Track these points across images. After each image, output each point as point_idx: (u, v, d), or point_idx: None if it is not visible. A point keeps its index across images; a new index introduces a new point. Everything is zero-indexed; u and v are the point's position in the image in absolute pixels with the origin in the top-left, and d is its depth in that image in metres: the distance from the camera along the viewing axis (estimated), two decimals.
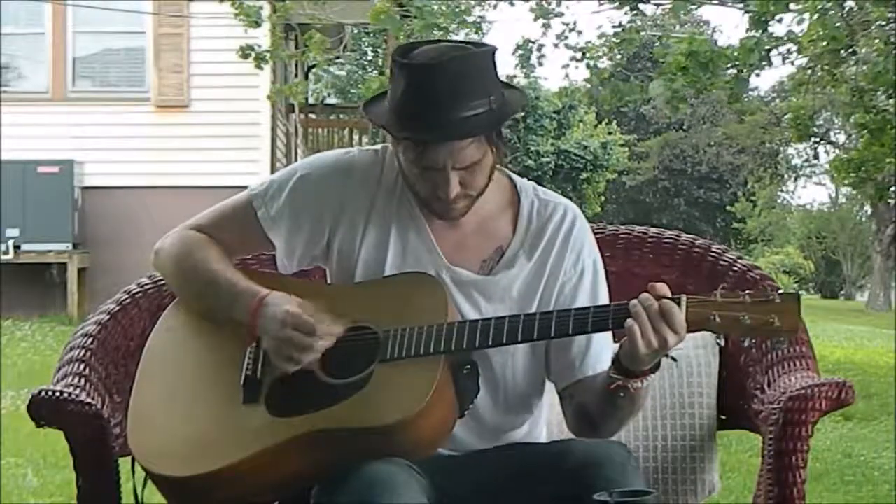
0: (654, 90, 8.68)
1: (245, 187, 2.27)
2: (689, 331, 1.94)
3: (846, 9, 8.81)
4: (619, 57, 11.25)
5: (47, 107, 13.19)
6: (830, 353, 11.05)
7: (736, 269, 2.53)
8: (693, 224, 34.07)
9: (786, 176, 37.45)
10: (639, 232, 2.69)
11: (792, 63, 9.71)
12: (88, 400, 2.20)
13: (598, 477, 1.95)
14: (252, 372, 2.10)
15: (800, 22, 8.61)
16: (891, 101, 9.46)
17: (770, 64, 8.56)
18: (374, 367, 2.03)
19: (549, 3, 10.44)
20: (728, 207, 34.63)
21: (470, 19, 10.39)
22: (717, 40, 13.24)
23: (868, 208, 31.32)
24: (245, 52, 10.46)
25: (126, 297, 2.54)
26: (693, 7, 10.18)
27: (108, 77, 13.91)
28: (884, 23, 9.04)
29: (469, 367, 2.05)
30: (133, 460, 2.13)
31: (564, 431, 2.33)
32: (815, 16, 8.25)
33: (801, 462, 2.17)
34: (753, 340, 1.98)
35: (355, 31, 14.43)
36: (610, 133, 30.03)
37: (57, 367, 2.36)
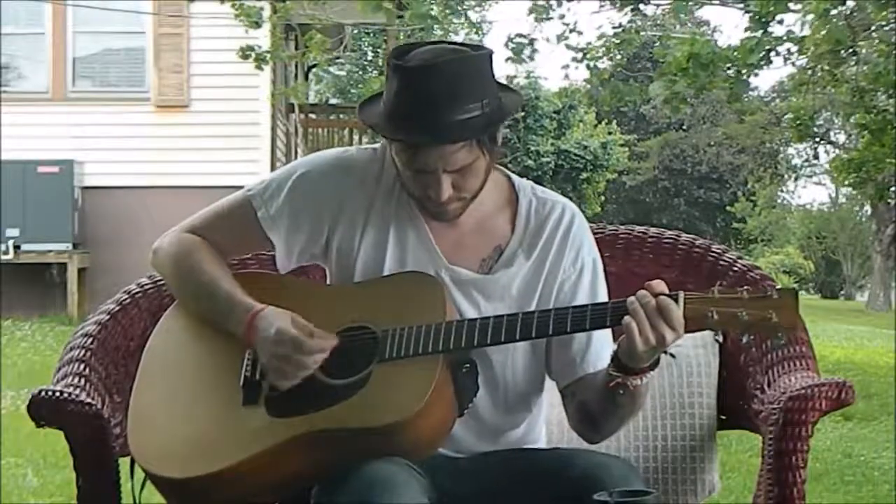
0: (654, 91, 8.69)
1: (250, 184, 2.26)
2: (686, 327, 1.94)
3: (848, 10, 8.81)
4: (619, 57, 11.25)
5: (47, 107, 13.19)
6: (830, 353, 11.05)
7: (736, 269, 2.53)
8: (693, 224, 34.06)
9: (786, 176, 37.44)
10: (639, 232, 2.69)
11: (793, 63, 9.71)
12: (88, 400, 2.20)
13: (600, 486, 1.94)
14: (251, 373, 2.10)
15: (803, 25, 8.61)
16: (891, 101, 9.46)
17: (770, 63, 8.56)
18: (372, 367, 2.03)
19: (549, 3, 10.46)
20: (728, 207, 34.63)
21: (470, 19, 10.41)
22: (717, 40, 13.23)
23: (868, 208, 31.33)
24: (245, 52, 10.46)
25: (126, 297, 2.54)
26: (694, 6, 10.18)
27: (108, 77, 13.91)
28: (884, 24, 9.04)
29: (468, 365, 2.05)
30: (132, 461, 2.13)
31: (565, 431, 2.34)
32: (818, 18, 8.25)
33: (801, 462, 2.17)
34: (752, 337, 1.98)
35: (355, 31, 14.43)
36: (610, 133, 30.02)
37: (57, 367, 2.36)
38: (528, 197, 2.22)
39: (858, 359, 11.10)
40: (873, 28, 9.09)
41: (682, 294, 1.95)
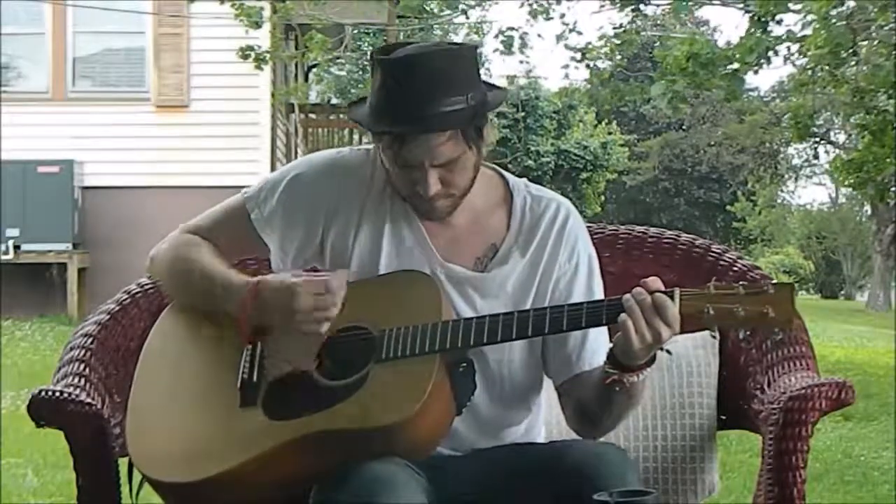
0: (655, 91, 8.69)
1: (245, 187, 2.27)
2: (683, 323, 1.94)
3: (848, 10, 8.81)
4: (619, 58, 11.26)
5: (47, 107, 13.19)
6: (830, 353, 11.04)
7: (736, 269, 2.53)
8: (693, 224, 34.06)
9: (786, 176, 37.43)
10: (639, 232, 2.69)
11: (793, 63, 9.71)
12: (88, 400, 2.20)
13: (596, 477, 1.95)
14: (248, 375, 2.09)
15: (804, 27, 8.61)
16: (891, 101, 9.45)
17: (769, 63, 8.57)
18: (370, 368, 2.03)
19: (550, 2, 10.47)
20: (728, 207, 34.63)
21: (468, 15, 10.43)
22: (717, 40, 13.23)
23: (868, 208, 31.32)
24: (245, 52, 10.46)
25: (126, 297, 2.54)
26: (694, 6, 10.18)
27: (108, 77, 13.91)
28: (885, 24, 9.04)
29: (465, 364, 2.05)
30: (130, 463, 2.13)
31: (564, 431, 2.33)
32: (819, 21, 8.25)
33: (801, 462, 2.17)
34: (748, 332, 1.98)
35: (355, 31, 14.43)
36: (610, 133, 30.02)
37: (57, 367, 2.36)
38: (523, 195, 2.23)
39: (858, 359, 11.10)
40: (873, 29, 9.09)
41: (677, 290, 1.95)
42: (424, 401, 1.96)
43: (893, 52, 8.95)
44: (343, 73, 29.67)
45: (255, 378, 2.09)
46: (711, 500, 2.53)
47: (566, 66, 11.09)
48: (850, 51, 8.64)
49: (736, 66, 8.49)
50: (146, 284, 2.55)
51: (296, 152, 14.73)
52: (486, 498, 2.08)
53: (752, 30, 8.49)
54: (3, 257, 12.08)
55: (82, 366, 2.34)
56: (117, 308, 2.50)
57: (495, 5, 11.26)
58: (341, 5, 10.77)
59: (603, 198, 30.40)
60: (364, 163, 2.21)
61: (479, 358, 2.09)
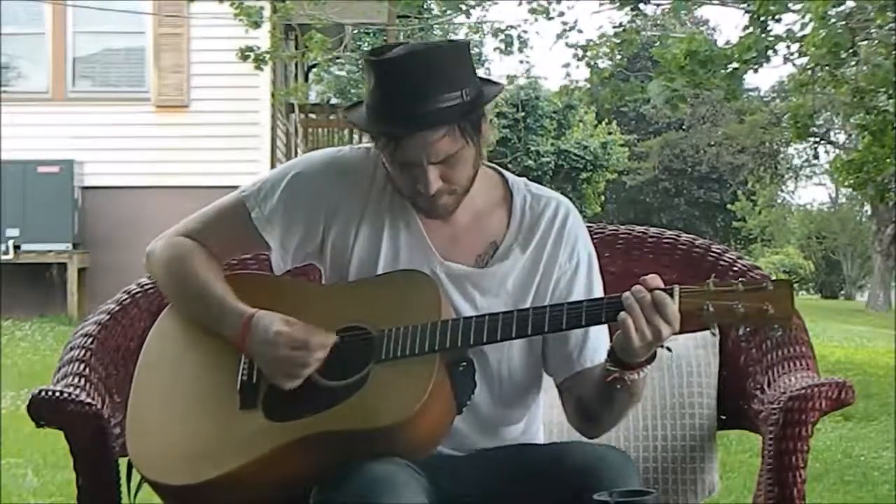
0: (653, 90, 8.69)
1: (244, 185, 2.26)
2: (682, 321, 1.94)
3: (846, 10, 8.81)
4: (619, 57, 11.26)
5: (47, 107, 13.19)
6: (830, 353, 11.04)
7: (736, 268, 2.53)
8: (693, 224, 34.06)
9: (786, 176, 37.42)
10: (639, 232, 2.69)
11: (793, 63, 9.70)
12: (88, 400, 2.20)
13: (597, 478, 1.95)
14: (248, 377, 2.09)
15: (802, 27, 8.61)
16: (891, 101, 9.45)
17: (768, 61, 8.57)
18: (370, 368, 2.03)
19: (550, 2, 10.48)
20: (728, 207, 34.63)
21: (471, 20, 10.44)
22: (716, 40, 13.23)
23: (868, 208, 31.31)
24: (244, 53, 10.46)
25: (126, 297, 2.54)
26: (693, 6, 10.18)
27: (108, 77, 13.91)
28: (883, 24, 9.03)
29: (465, 363, 2.05)
30: (129, 464, 2.13)
31: (565, 431, 2.34)
32: (818, 20, 8.25)
33: (801, 462, 2.17)
34: (747, 329, 1.98)
35: (355, 32, 14.43)
36: (610, 133, 30.01)
37: (57, 367, 2.36)
38: (523, 193, 2.23)
39: (858, 359, 11.10)
40: (872, 29, 9.09)
41: (677, 288, 1.95)
42: (425, 401, 1.96)
43: (893, 52, 8.95)
44: (343, 73, 29.66)
45: (254, 380, 2.09)
46: (711, 500, 2.53)
47: (567, 65, 11.10)
48: (850, 51, 8.63)
49: (735, 65, 8.49)
50: (146, 284, 2.55)
51: (296, 152, 14.73)
52: (487, 498, 2.08)
53: (751, 29, 8.49)
54: (3, 257, 12.08)
55: (82, 366, 2.34)
56: (117, 308, 2.50)
57: (495, 5, 11.26)
58: (341, 5, 10.77)
59: (603, 198, 30.39)
60: (364, 161, 2.21)
61: (478, 357, 2.09)
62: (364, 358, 2.04)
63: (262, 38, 10.90)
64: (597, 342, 2.15)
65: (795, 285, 1.98)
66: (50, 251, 12.23)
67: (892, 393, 7.88)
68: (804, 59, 9.30)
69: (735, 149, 34.51)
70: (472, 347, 2.05)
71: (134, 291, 2.55)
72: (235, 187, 2.33)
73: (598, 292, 2.20)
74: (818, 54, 8.60)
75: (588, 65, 10.64)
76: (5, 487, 4.80)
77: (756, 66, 8.61)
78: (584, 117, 29.76)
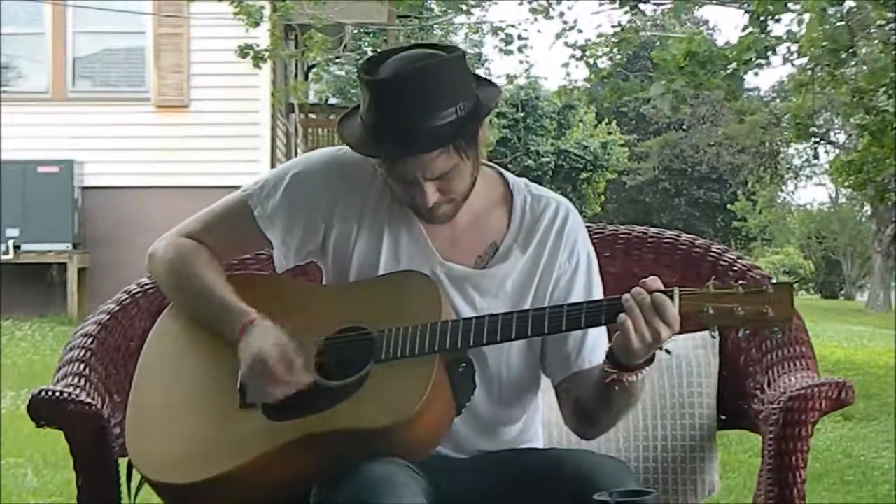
0: (653, 91, 8.69)
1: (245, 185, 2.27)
2: (682, 323, 1.94)
3: (845, 9, 8.81)
4: (618, 57, 11.26)
5: (47, 107, 13.19)
6: (830, 353, 11.04)
7: (736, 268, 2.53)
8: (693, 224, 34.06)
9: (786, 176, 37.43)
10: (639, 232, 2.69)
11: (792, 64, 9.71)
12: (88, 400, 2.20)
13: (594, 485, 1.94)
14: None
15: (800, 23, 8.61)
16: (891, 101, 9.45)
17: (767, 60, 8.57)
18: (369, 368, 2.03)
19: (549, 1, 10.48)
20: (728, 207, 34.64)
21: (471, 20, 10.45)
22: (716, 40, 13.23)
23: (868, 208, 31.32)
24: (244, 51, 10.46)
25: (126, 297, 2.54)
26: (693, 6, 10.19)
27: (108, 77, 13.92)
28: (883, 23, 9.03)
29: (465, 364, 2.05)
30: (129, 464, 2.13)
31: (564, 433, 2.34)
32: (814, 16, 8.25)
33: (801, 462, 2.17)
34: (748, 332, 1.98)
35: (355, 32, 14.44)
36: (610, 133, 30.04)
37: (57, 367, 2.36)
38: (523, 194, 2.23)
39: (858, 359, 11.10)
40: (873, 28, 9.09)
41: (677, 290, 1.95)
42: (424, 401, 1.96)
43: (893, 52, 8.95)
44: (342, 73, 29.67)
45: None
46: (711, 500, 2.53)
47: (566, 65, 11.10)
48: (850, 51, 8.63)
49: (735, 65, 8.49)
50: (146, 284, 2.55)
51: (296, 152, 14.73)
52: (486, 500, 2.08)
53: (751, 29, 8.49)
54: (3, 257, 12.09)
55: (82, 366, 2.33)
56: (117, 308, 2.50)
57: (495, 5, 11.27)
58: (341, 5, 10.76)
59: (603, 198, 30.41)
60: (364, 161, 2.20)
61: (477, 358, 2.09)
62: (364, 358, 2.04)
63: (261, 38, 10.90)
64: (595, 343, 2.15)
65: (795, 285, 1.98)
66: (50, 251, 12.24)
67: (892, 393, 7.88)
68: (804, 60, 9.30)
69: (735, 149, 34.51)
70: (471, 348, 2.05)
71: (134, 291, 2.55)
72: (235, 187, 2.33)
73: (598, 293, 2.20)
74: (817, 54, 8.60)
75: (587, 64, 10.64)
76: (5, 487, 4.80)
77: (757, 69, 8.62)
78: (584, 117, 29.79)
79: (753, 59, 8.34)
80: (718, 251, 2.61)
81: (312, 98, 21.20)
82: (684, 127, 35.48)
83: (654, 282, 1.97)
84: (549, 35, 11.05)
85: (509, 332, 2.03)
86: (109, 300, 2.54)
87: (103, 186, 12.80)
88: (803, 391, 2.17)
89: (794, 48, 8.88)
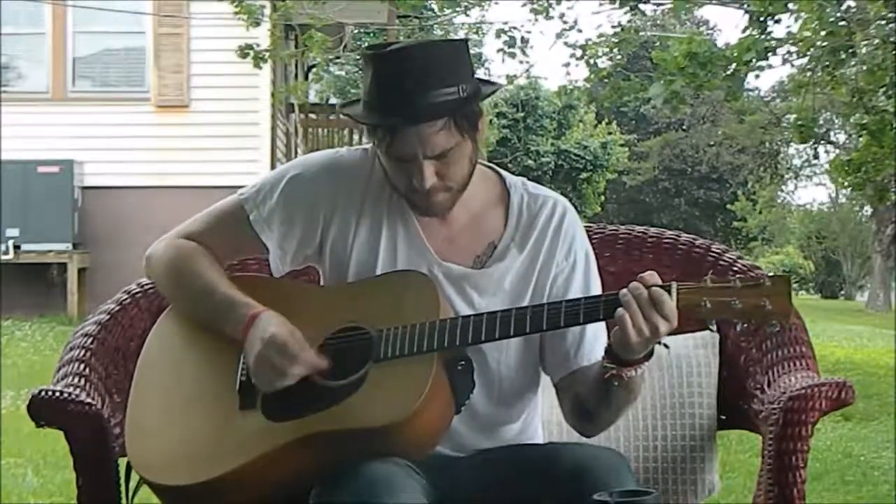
0: (653, 91, 8.70)
1: (243, 187, 2.27)
2: (680, 317, 1.95)
3: (844, 7, 8.81)
4: (618, 57, 11.26)
5: (47, 107, 13.19)
6: (830, 353, 11.04)
7: (736, 268, 2.53)
8: (693, 224, 34.07)
9: (786, 176, 37.43)
10: (639, 232, 2.69)
11: (792, 65, 9.70)
12: (88, 400, 2.20)
13: (592, 478, 1.95)
14: (247, 377, 2.09)
15: (797, 19, 8.62)
16: (891, 101, 9.44)
17: (766, 60, 8.57)
18: (368, 368, 2.03)
19: (549, 1, 10.48)
20: (728, 207, 34.64)
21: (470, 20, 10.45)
22: (716, 40, 13.24)
23: (868, 208, 31.32)
24: (244, 51, 10.46)
25: (126, 297, 2.54)
26: (693, 6, 10.19)
27: (108, 77, 13.92)
28: (883, 22, 9.03)
29: (464, 363, 2.05)
30: (128, 466, 2.13)
31: (564, 432, 2.34)
32: (810, 15, 8.25)
33: (801, 462, 2.17)
34: (745, 326, 1.98)
35: (355, 32, 14.44)
36: (610, 133, 30.05)
37: (57, 367, 2.36)
38: (520, 192, 2.23)
39: (858, 359, 11.10)
40: (872, 27, 9.08)
41: (674, 284, 1.95)
42: (423, 400, 1.96)
43: (893, 52, 8.94)
44: (342, 72, 29.67)
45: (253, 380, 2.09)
46: (711, 500, 2.53)
47: (566, 65, 11.10)
48: (850, 51, 8.63)
49: (735, 66, 8.50)
50: (146, 284, 2.55)
51: (296, 152, 14.73)
52: (486, 499, 2.08)
53: (751, 29, 8.49)
54: (3, 257, 12.08)
55: (82, 366, 2.34)
56: (117, 308, 2.50)
57: (495, 5, 11.27)
58: (341, 5, 10.76)
59: (603, 198, 30.41)
60: (362, 163, 2.21)
61: (476, 356, 2.09)
62: (363, 358, 2.04)
63: (261, 38, 10.90)
64: (594, 340, 2.15)
65: (795, 285, 1.98)
66: (50, 251, 12.24)
67: (892, 393, 7.88)
68: (803, 60, 9.30)
69: (735, 149, 34.52)
70: (470, 346, 2.05)
71: (134, 291, 2.55)
72: (235, 187, 2.33)
73: (596, 290, 2.20)
74: (817, 55, 8.60)
75: (588, 64, 10.64)
76: (5, 487, 4.80)
77: (758, 72, 8.62)
78: (584, 117, 29.79)
79: (754, 61, 8.35)
80: (718, 251, 2.61)
81: (312, 98, 21.20)
82: (684, 127, 35.49)
83: (652, 277, 1.97)
84: (550, 35, 11.06)
85: (508, 330, 2.03)
86: (109, 300, 2.54)
87: (103, 186, 12.80)
88: (803, 391, 2.17)
89: (793, 49, 8.87)
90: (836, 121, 26.76)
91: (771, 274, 1.98)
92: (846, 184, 12.15)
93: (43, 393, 2.17)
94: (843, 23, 8.51)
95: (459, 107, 2.03)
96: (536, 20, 10.65)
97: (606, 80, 10.73)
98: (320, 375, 2.05)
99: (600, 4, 10.23)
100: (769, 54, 8.57)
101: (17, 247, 12.15)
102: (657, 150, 35.10)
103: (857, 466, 5.70)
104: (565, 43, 10.84)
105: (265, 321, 2.07)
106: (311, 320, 2.10)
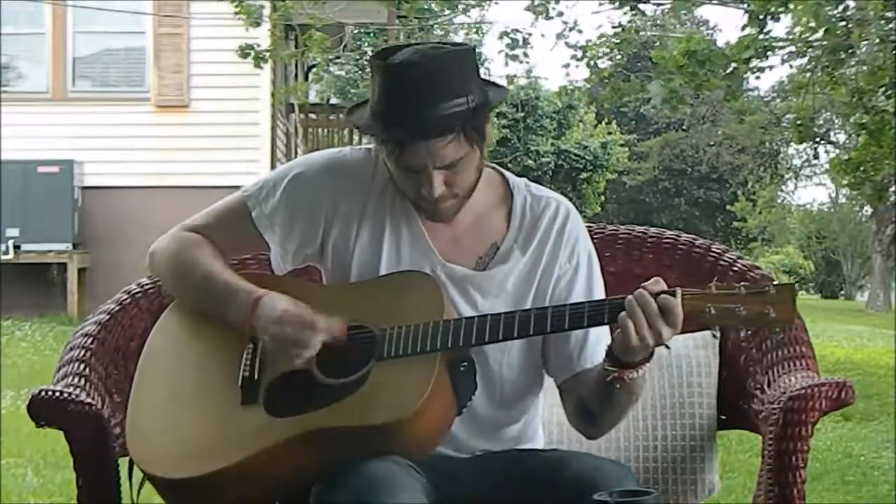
0: (652, 90, 8.70)
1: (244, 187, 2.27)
2: (684, 323, 1.95)
3: (843, 7, 8.81)
4: (619, 57, 11.27)
5: (47, 107, 13.19)
6: (830, 353, 11.04)
7: (736, 268, 2.53)
8: (693, 224, 34.05)
9: (786, 176, 37.42)
10: (639, 232, 2.69)
11: (790, 65, 9.71)
12: (88, 400, 2.20)
13: (594, 488, 1.94)
14: (249, 373, 2.10)
15: (793, 17, 8.62)
16: (890, 101, 9.44)
17: (766, 59, 8.57)
18: (371, 366, 2.03)
19: (549, 1, 10.49)
20: (728, 207, 34.63)
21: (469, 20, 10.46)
22: (716, 40, 13.25)
23: (868, 208, 31.31)
24: (244, 51, 10.46)
25: (126, 297, 2.54)
26: (693, 6, 10.18)
27: (108, 77, 13.92)
28: (882, 21, 9.03)
29: (466, 364, 2.05)
30: (130, 462, 2.13)
31: (565, 432, 2.34)
32: (808, 10, 8.25)
33: (801, 462, 2.17)
34: (749, 332, 1.99)
35: (355, 32, 14.45)
36: (610, 133, 30.02)
37: (57, 367, 2.36)
38: (523, 194, 2.23)
39: (858, 359, 11.10)
40: (872, 27, 9.08)
41: (679, 291, 1.95)
42: (425, 399, 1.96)
43: (892, 50, 8.94)
44: (342, 72, 29.67)
45: (256, 376, 2.09)
46: (711, 500, 2.53)
47: (566, 66, 11.11)
48: (850, 51, 8.63)
49: (735, 65, 8.50)
50: (146, 284, 2.55)
51: (296, 152, 14.73)
52: (486, 500, 2.08)
53: (750, 29, 8.49)
54: (3, 257, 12.08)
55: (82, 366, 2.33)
56: (117, 308, 2.50)
57: (495, 5, 11.27)
58: (341, 5, 10.76)
59: (603, 198, 30.39)
60: (365, 162, 2.21)
61: (478, 358, 2.09)
62: (365, 356, 2.04)
63: (262, 38, 10.90)
64: (597, 343, 2.15)
65: (796, 286, 1.98)
66: (50, 251, 12.24)
67: (892, 393, 7.88)
68: (803, 60, 9.30)
69: (735, 149, 34.50)
70: (473, 347, 2.05)
71: (134, 291, 2.55)
72: (235, 187, 2.33)
73: (599, 293, 2.20)
74: (816, 55, 8.60)
75: (588, 65, 10.64)
76: (5, 487, 4.80)
77: (758, 73, 8.61)
78: (584, 117, 29.77)
79: (753, 59, 8.34)
80: (718, 251, 2.61)
81: (313, 98, 21.20)
82: (684, 127, 35.47)
83: (658, 283, 1.97)
84: (550, 35, 11.07)
85: (511, 331, 2.03)
86: (109, 300, 2.54)
87: (103, 186, 12.80)
88: (803, 391, 2.17)
89: (793, 49, 8.87)
90: (836, 121, 26.74)
91: (776, 282, 1.98)
92: (845, 182, 12.15)
93: (43, 393, 2.17)
94: (842, 23, 8.51)
95: (469, 118, 2.03)
96: (536, 20, 10.66)
97: (607, 81, 10.73)
98: (323, 373, 2.04)
99: (600, 4, 10.24)
100: (768, 53, 8.57)
101: (17, 247, 12.15)
102: (657, 150, 35.08)
103: (857, 466, 5.70)
104: (566, 43, 10.85)
105: (271, 301, 2.08)
106: None
